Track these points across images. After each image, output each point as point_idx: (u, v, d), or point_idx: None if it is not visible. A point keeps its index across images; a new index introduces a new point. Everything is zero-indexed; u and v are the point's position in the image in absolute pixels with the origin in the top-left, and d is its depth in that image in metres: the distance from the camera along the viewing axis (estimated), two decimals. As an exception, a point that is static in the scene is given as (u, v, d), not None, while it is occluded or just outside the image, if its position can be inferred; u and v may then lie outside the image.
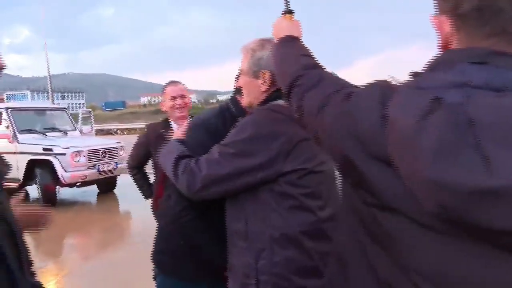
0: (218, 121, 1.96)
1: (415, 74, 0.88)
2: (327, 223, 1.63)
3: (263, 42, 1.75)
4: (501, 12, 0.75)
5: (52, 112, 10.72)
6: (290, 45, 1.36)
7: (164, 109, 3.28)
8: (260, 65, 1.71)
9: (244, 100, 1.84)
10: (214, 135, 1.83)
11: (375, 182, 0.80)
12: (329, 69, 1.26)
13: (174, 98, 3.19)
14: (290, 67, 1.24)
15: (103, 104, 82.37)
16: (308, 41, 1.42)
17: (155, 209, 3.18)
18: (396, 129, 0.73)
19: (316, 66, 1.22)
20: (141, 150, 3.40)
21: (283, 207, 1.59)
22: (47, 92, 31.17)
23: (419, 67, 0.89)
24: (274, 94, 1.72)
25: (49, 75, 28.59)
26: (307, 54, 1.29)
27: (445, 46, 0.87)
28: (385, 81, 0.89)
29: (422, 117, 0.69)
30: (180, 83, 3.31)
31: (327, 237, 1.57)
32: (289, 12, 1.55)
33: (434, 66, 0.83)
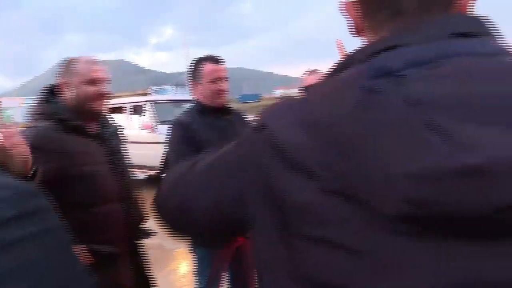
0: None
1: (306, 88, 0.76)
2: None
3: None
4: None
5: (189, 104, 11.33)
6: None
7: None
8: None
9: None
10: None
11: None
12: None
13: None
14: None
15: (239, 97, 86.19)
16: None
17: None
18: (332, 135, 0.62)
19: None
20: None
21: None
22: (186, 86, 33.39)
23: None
24: None
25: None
26: None
27: (358, 33, 0.77)
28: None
29: (360, 108, 0.59)
30: (320, 71, 3.31)
31: None
32: None
33: (349, 63, 0.71)
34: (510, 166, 0.50)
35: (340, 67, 0.71)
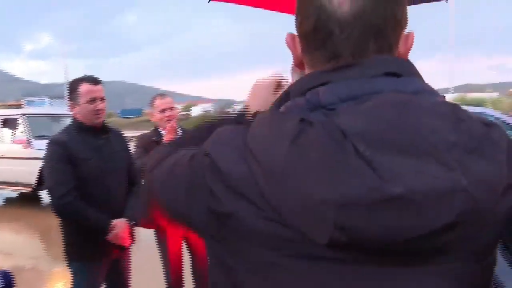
0: None
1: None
2: None
3: None
4: (332, 35, 0.69)
5: (68, 118, 10.84)
6: None
7: (153, 119, 3.47)
8: None
9: None
10: None
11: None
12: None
13: (163, 110, 3.41)
14: None
15: (119, 112, 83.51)
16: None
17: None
18: (268, 166, 0.63)
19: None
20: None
21: None
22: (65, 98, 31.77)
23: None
24: None
25: (67, 82, 29.00)
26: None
27: (298, 66, 0.80)
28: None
29: (295, 138, 0.62)
30: (168, 96, 3.55)
31: None
32: None
33: (288, 97, 0.74)
34: (427, 196, 0.55)
35: (281, 100, 0.74)
